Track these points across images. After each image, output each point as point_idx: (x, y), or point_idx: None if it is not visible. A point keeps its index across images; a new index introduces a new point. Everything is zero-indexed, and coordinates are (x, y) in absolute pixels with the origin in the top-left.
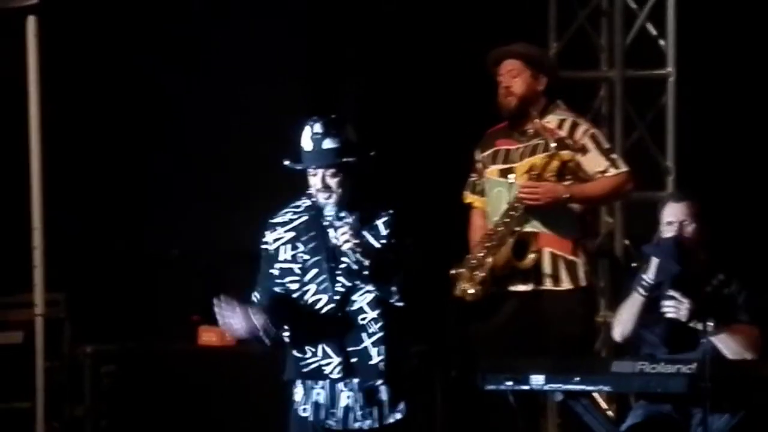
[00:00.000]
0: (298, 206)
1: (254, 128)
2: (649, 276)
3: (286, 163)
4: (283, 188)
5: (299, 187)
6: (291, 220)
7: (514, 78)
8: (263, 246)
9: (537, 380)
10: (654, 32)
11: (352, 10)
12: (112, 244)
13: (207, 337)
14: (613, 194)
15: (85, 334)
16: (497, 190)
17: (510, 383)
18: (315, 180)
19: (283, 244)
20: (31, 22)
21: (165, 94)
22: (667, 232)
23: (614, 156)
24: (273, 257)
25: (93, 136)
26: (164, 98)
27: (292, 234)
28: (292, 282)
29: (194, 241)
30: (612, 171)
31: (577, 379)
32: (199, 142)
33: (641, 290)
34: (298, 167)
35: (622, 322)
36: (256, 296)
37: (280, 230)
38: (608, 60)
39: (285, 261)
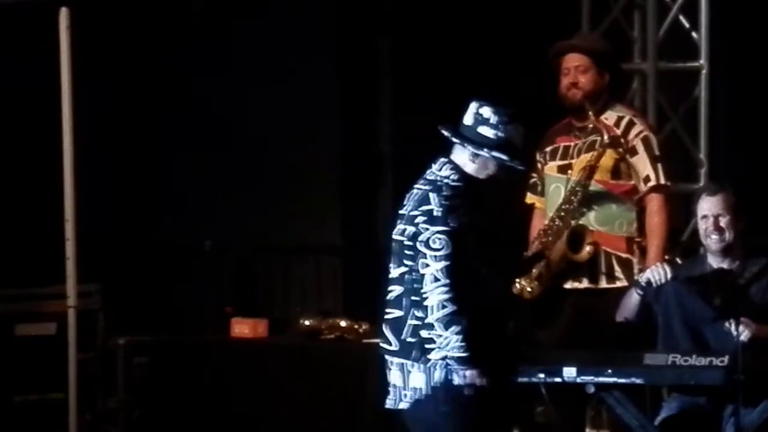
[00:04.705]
0: (456, 188)
1: (287, 125)
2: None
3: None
4: (314, 184)
5: (329, 185)
6: (462, 205)
7: (582, 74)
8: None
9: (569, 372)
10: (687, 24)
11: (383, 3)
12: (145, 236)
13: (239, 328)
14: (668, 225)
15: (119, 325)
16: (555, 186)
17: (542, 375)
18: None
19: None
20: (64, 14)
21: (198, 87)
22: (702, 225)
23: (660, 165)
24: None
25: (126, 127)
26: (198, 91)
27: (466, 219)
28: None
29: (227, 233)
30: (652, 181)
31: (610, 371)
32: (232, 136)
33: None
34: None
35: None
36: None
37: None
38: (641, 52)
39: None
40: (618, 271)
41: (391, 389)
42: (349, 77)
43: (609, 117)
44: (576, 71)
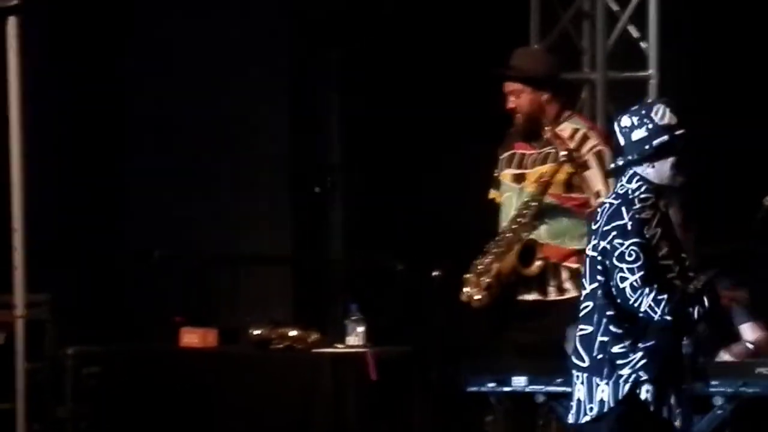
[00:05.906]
0: (646, 200)
1: (237, 132)
2: None
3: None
4: (264, 194)
5: (279, 195)
6: (654, 215)
7: (516, 98)
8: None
9: (519, 381)
10: (636, 34)
11: (336, 11)
12: (94, 245)
13: (189, 338)
14: None
15: (68, 335)
16: (507, 194)
17: (492, 385)
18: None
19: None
20: (12, 22)
21: (148, 95)
22: None
23: (611, 181)
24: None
25: (74, 136)
26: (148, 99)
27: (659, 229)
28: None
29: (177, 243)
30: (602, 196)
31: (560, 380)
32: (181, 145)
33: None
34: None
35: None
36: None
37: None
38: (590, 62)
39: (662, 257)
40: (568, 283)
41: (573, 404)
42: (299, 88)
43: (565, 128)
44: (511, 96)
